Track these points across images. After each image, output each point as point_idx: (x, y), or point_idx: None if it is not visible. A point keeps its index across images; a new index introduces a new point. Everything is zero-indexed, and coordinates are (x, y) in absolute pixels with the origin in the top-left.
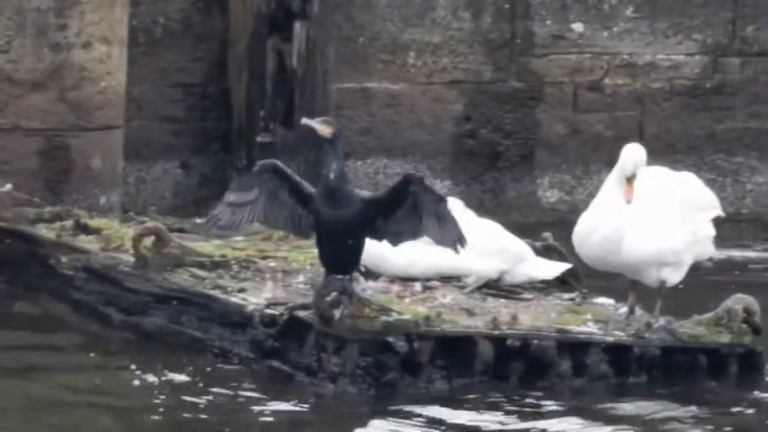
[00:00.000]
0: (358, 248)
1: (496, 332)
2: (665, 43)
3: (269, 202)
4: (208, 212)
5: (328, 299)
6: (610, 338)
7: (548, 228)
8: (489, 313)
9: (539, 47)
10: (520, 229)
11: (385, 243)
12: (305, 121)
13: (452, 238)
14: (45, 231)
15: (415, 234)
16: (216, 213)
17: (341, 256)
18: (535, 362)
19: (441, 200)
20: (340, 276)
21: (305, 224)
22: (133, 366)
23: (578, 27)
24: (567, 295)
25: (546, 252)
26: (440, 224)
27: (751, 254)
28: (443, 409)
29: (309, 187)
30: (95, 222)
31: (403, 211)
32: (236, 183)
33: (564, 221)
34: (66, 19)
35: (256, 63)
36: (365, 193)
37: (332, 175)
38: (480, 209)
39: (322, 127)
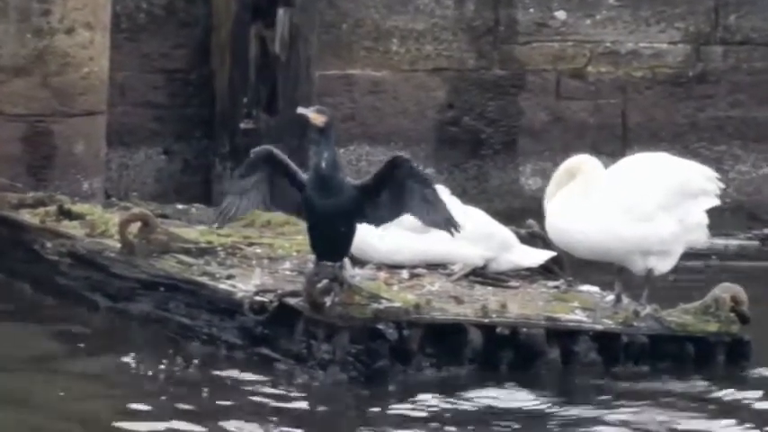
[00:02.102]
0: (349, 236)
1: (486, 320)
2: (648, 31)
3: (269, 187)
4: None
5: (319, 286)
6: (599, 326)
7: (530, 215)
8: (478, 301)
9: (522, 34)
10: (503, 217)
11: (371, 229)
12: (301, 110)
13: (442, 221)
14: (29, 217)
15: (399, 215)
16: (225, 206)
17: (332, 244)
18: (524, 350)
19: (428, 184)
20: (330, 263)
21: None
22: (119, 353)
23: (561, 15)
24: (551, 283)
25: (530, 239)
26: (427, 207)
27: (734, 242)
28: (433, 396)
29: (303, 174)
30: (78, 208)
31: (390, 194)
32: (236, 173)
33: None
34: (50, 4)
35: (239, 49)
36: (356, 181)
37: (323, 164)
38: (463, 196)
39: (315, 115)
